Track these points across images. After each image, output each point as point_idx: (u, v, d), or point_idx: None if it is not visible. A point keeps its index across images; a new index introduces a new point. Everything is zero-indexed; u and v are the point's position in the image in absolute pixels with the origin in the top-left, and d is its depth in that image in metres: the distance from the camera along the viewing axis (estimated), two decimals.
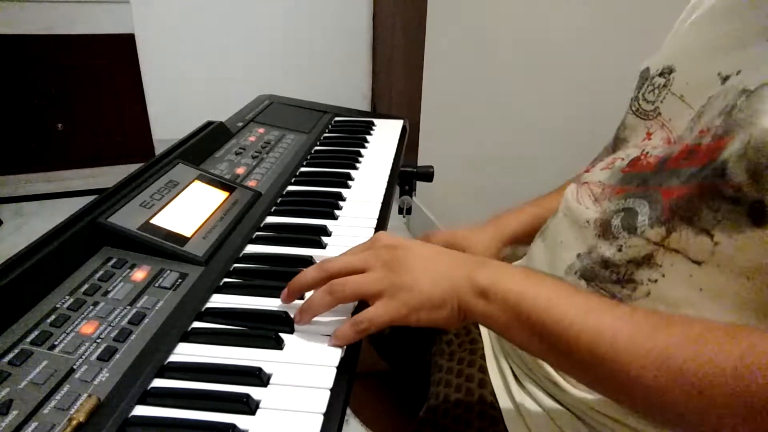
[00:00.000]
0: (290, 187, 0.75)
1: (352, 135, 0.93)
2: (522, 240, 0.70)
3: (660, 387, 0.34)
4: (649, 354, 0.35)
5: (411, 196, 0.96)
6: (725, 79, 0.43)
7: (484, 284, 0.43)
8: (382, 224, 0.67)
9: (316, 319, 0.48)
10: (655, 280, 0.42)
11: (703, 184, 0.38)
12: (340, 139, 0.92)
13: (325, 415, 0.39)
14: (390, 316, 0.44)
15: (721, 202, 0.37)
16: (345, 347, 0.46)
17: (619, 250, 0.44)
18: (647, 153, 0.49)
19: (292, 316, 0.48)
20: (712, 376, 0.32)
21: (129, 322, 0.46)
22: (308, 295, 0.49)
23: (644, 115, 0.52)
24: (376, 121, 1.00)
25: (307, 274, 0.48)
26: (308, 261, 0.57)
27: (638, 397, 0.36)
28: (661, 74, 0.51)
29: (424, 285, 0.45)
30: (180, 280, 0.52)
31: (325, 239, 0.62)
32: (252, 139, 0.86)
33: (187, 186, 0.65)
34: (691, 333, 0.35)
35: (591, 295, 0.43)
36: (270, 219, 0.66)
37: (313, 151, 0.87)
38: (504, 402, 0.57)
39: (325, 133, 0.94)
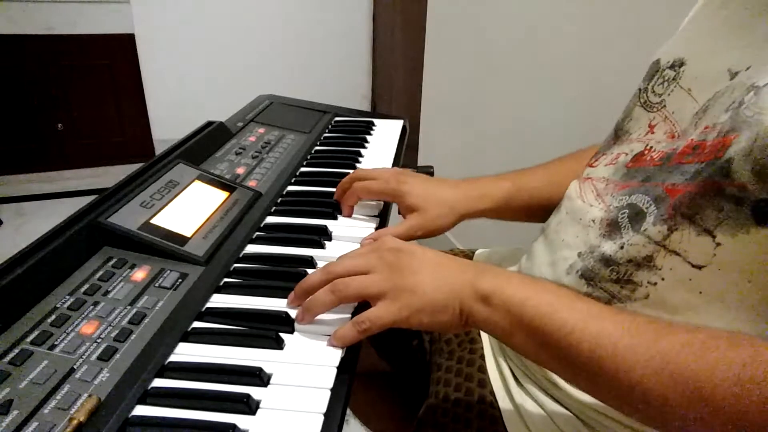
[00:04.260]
0: (290, 187, 0.75)
1: (352, 135, 0.93)
2: (486, 216, 0.68)
3: (661, 394, 0.34)
4: (651, 361, 0.35)
5: None
6: (734, 75, 0.42)
7: (486, 290, 0.44)
8: (382, 224, 0.67)
9: (317, 318, 0.48)
10: (655, 284, 0.42)
11: (707, 182, 0.37)
12: (341, 139, 0.92)
13: (326, 415, 0.39)
14: (392, 317, 0.44)
15: (725, 201, 0.36)
16: (345, 347, 0.46)
17: (621, 247, 0.44)
18: (651, 148, 0.48)
19: (293, 316, 0.49)
20: (714, 384, 0.32)
21: (129, 322, 0.46)
22: None
23: (650, 107, 0.51)
24: (376, 121, 1.00)
25: (312, 277, 0.49)
26: (308, 261, 0.57)
27: (639, 404, 0.36)
28: (671, 66, 0.50)
29: (427, 288, 0.45)
30: (180, 280, 0.52)
31: (325, 239, 0.62)
32: (252, 139, 0.86)
33: (187, 186, 0.65)
34: (693, 340, 0.35)
35: (593, 303, 0.42)
36: (270, 219, 0.66)
37: (313, 151, 0.87)
38: (503, 402, 0.57)
39: (325, 133, 0.94)
